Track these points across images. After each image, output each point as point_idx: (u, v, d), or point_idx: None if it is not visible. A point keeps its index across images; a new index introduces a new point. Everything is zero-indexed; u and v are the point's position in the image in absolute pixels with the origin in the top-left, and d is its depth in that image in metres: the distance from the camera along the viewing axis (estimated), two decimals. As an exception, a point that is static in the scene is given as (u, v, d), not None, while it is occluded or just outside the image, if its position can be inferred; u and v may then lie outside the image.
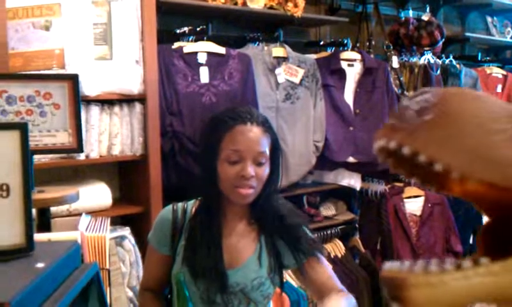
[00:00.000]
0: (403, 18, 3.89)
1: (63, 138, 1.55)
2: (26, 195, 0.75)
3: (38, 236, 0.87)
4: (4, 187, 0.73)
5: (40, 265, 0.73)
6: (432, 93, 0.47)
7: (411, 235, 3.39)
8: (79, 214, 1.92)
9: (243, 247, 1.61)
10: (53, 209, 1.77)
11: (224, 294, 1.56)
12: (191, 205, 1.67)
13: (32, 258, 0.78)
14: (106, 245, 1.36)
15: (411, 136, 0.46)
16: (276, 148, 1.58)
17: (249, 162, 1.50)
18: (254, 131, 1.52)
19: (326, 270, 1.63)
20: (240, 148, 1.51)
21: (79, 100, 1.57)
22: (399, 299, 0.45)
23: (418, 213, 3.45)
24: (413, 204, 3.45)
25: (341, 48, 3.34)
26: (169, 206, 1.70)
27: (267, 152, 1.53)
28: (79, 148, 1.58)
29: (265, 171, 1.53)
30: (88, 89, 2.27)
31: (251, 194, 1.53)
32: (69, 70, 2.16)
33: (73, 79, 1.57)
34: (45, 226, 1.45)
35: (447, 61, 3.93)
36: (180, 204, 1.69)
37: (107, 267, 1.38)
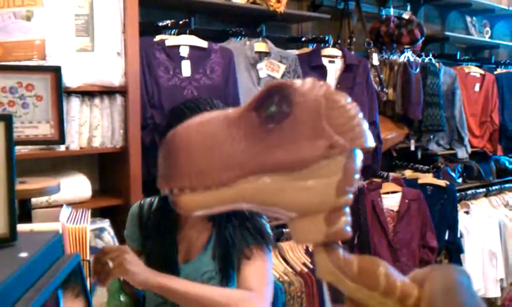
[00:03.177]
0: (384, 16, 3.94)
1: (45, 130, 1.55)
2: (10, 186, 0.76)
3: (20, 227, 0.88)
4: (-12, 178, 0.74)
5: (23, 254, 0.74)
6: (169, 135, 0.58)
7: (388, 230, 3.44)
8: (58, 206, 1.92)
9: (198, 240, 1.61)
10: (32, 200, 1.77)
11: None
12: (158, 199, 1.68)
13: (15, 248, 0.79)
14: (87, 237, 1.37)
15: (165, 181, 0.57)
16: None
17: None
18: None
19: (249, 268, 1.54)
20: None
21: (61, 92, 1.57)
22: (175, 204, 0.57)
23: (396, 208, 3.50)
24: (391, 200, 3.50)
25: (322, 45, 3.37)
26: (138, 202, 1.73)
27: None
28: (61, 140, 1.58)
29: None
30: (69, 80, 2.26)
31: None
32: (50, 61, 2.15)
33: (56, 71, 1.57)
34: (26, 217, 1.45)
35: (427, 60, 3.98)
36: (147, 199, 1.71)
37: (88, 258, 1.38)
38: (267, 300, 1.50)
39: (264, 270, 1.55)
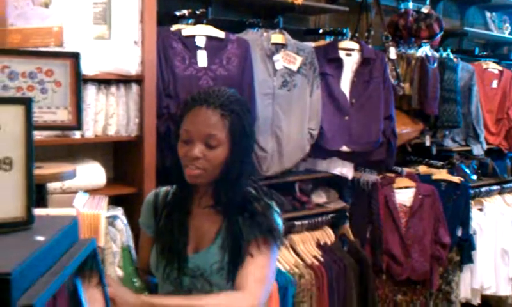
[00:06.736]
0: (403, 10, 3.90)
1: (63, 115, 1.55)
2: (28, 169, 0.77)
3: (36, 212, 0.89)
4: (7, 161, 0.75)
5: (40, 238, 0.74)
6: None
7: (401, 225, 3.43)
8: (72, 192, 1.93)
9: (208, 230, 1.60)
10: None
11: (184, 276, 1.57)
12: (173, 189, 1.69)
13: (32, 231, 0.79)
14: (101, 223, 1.37)
15: None
16: (238, 133, 1.53)
17: (197, 143, 1.50)
18: (208, 113, 1.50)
19: (248, 265, 1.52)
20: (190, 129, 1.52)
21: (79, 79, 1.58)
22: None
23: (409, 204, 3.48)
24: (404, 195, 3.49)
25: (340, 38, 3.35)
26: (154, 190, 1.74)
27: (221, 135, 1.50)
28: (78, 126, 1.59)
29: (218, 154, 1.51)
30: (86, 68, 2.27)
31: (198, 174, 1.52)
32: (67, 49, 2.14)
33: (75, 57, 1.58)
34: (42, 202, 1.46)
35: (444, 54, 3.94)
36: (163, 188, 1.72)
37: (102, 245, 1.39)
38: (257, 299, 1.48)
39: (263, 268, 1.54)
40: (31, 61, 1.51)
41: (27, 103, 0.74)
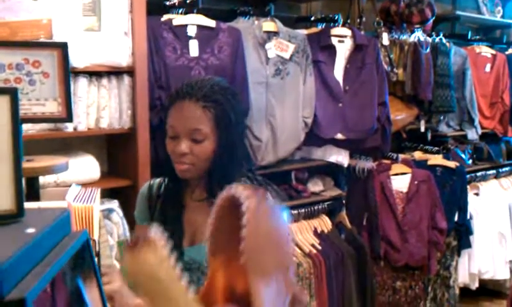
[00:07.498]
0: (394, -5, 3.88)
1: (52, 107, 1.53)
2: (16, 160, 0.75)
3: (28, 205, 0.87)
4: (-6, 152, 0.73)
5: (31, 230, 0.73)
6: None
7: (397, 211, 3.43)
8: (66, 186, 1.91)
9: (202, 223, 1.56)
10: (40, 180, 1.76)
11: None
12: (166, 181, 1.67)
13: (23, 224, 0.78)
14: (94, 216, 1.36)
15: None
16: (223, 124, 1.49)
17: (183, 138, 1.48)
18: (190, 107, 1.47)
19: None
20: (174, 124, 1.49)
21: (68, 69, 1.56)
22: None
23: (405, 190, 3.48)
24: (400, 182, 3.48)
25: (332, 24, 3.33)
26: (147, 182, 1.72)
27: (206, 129, 1.48)
28: (69, 118, 1.57)
29: (205, 148, 1.49)
30: (76, 60, 2.25)
31: (187, 169, 1.50)
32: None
33: (62, 47, 1.55)
34: (34, 196, 1.44)
35: (437, 39, 3.93)
36: (157, 180, 1.69)
37: (95, 237, 1.38)
38: None
39: None
40: (17, 52, 1.49)
41: (12, 93, 0.72)
